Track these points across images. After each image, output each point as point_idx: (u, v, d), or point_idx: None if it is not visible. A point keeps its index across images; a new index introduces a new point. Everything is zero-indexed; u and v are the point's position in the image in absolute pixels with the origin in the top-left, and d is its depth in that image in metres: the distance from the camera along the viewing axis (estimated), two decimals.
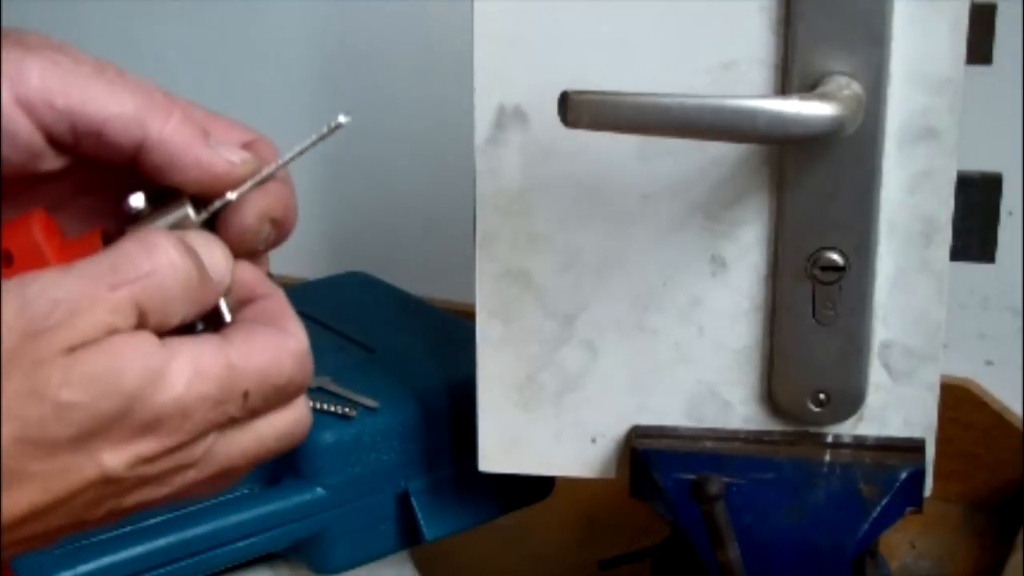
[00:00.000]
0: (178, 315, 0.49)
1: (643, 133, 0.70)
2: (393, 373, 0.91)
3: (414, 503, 0.88)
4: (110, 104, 0.51)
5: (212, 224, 0.53)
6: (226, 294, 0.51)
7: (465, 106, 0.77)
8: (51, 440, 0.46)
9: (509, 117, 0.77)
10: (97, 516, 0.49)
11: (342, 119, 0.53)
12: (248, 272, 0.53)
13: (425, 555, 0.95)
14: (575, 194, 0.78)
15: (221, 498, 0.84)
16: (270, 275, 0.55)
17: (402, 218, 1.36)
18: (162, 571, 0.80)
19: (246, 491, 0.86)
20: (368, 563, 0.89)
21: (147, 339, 0.48)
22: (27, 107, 0.50)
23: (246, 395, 0.49)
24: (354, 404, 0.87)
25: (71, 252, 0.51)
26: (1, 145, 0.50)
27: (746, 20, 0.73)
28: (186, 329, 0.50)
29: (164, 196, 0.52)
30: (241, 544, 0.83)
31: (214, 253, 0.51)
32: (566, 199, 0.78)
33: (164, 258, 0.48)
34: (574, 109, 0.66)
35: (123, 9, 1.39)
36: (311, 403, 0.85)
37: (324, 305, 1.01)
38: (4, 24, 0.53)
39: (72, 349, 0.46)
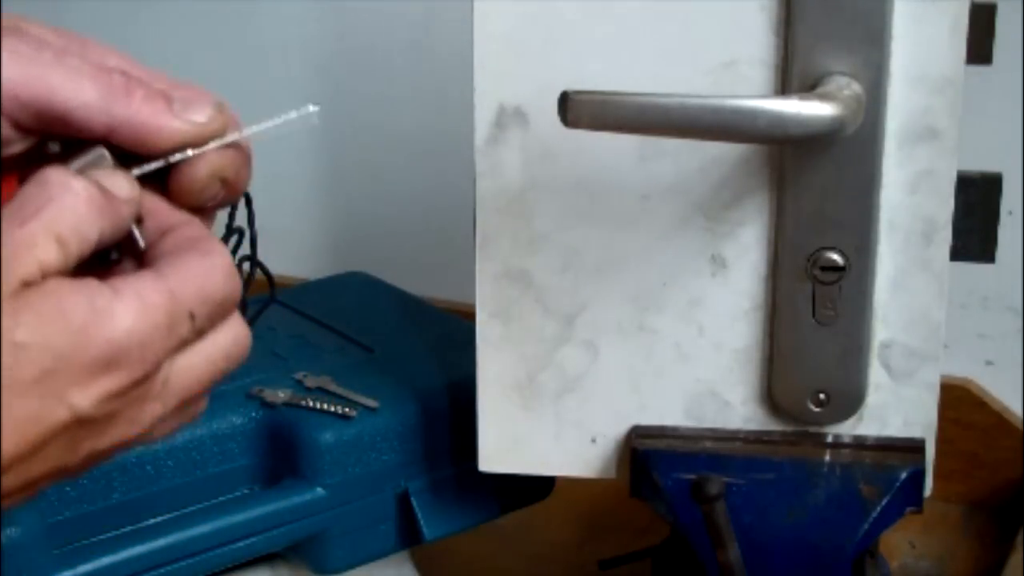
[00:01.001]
0: (95, 230, 0.50)
1: (643, 133, 0.70)
2: (393, 373, 0.91)
3: (414, 503, 0.88)
4: (73, 94, 0.52)
5: (165, 177, 0.55)
6: (139, 223, 0.53)
7: (465, 106, 0.77)
8: (16, 383, 0.48)
9: (509, 117, 0.77)
10: (77, 461, 0.51)
11: (312, 108, 0.56)
12: (160, 204, 0.55)
13: (425, 555, 0.95)
14: (575, 194, 0.78)
15: (221, 498, 0.84)
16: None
17: (402, 218, 1.36)
18: (162, 571, 0.80)
19: (246, 491, 0.86)
20: (368, 563, 0.89)
21: (88, 281, 0.50)
22: None
23: (192, 316, 0.52)
24: (354, 404, 0.87)
25: None
26: None
27: (746, 20, 0.73)
28: (105, 259, 0.52)
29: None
30: (241, 544, 0.83)
31: (116, 179, 0.53)
32: (566, 199, 0.78)
33: (56, 185, 0.50)
34: (574, 109, 0.66)
35: (123, 9, 1.39)
36: (310, 403, 0.86)
37: (324, 305, 1.01)
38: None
39: (14, 294, 0.48)
